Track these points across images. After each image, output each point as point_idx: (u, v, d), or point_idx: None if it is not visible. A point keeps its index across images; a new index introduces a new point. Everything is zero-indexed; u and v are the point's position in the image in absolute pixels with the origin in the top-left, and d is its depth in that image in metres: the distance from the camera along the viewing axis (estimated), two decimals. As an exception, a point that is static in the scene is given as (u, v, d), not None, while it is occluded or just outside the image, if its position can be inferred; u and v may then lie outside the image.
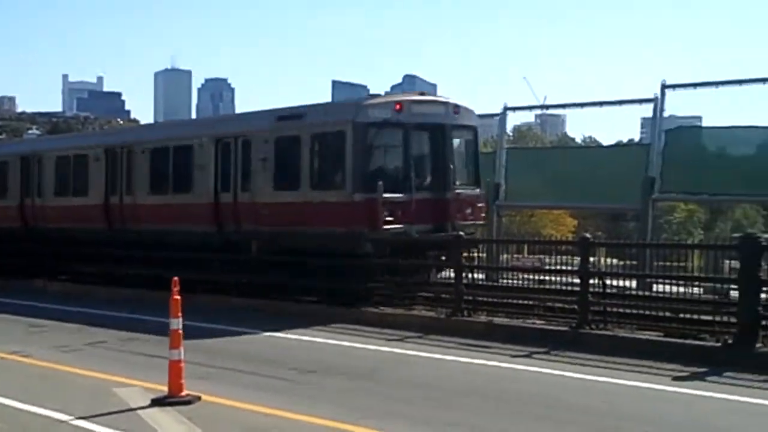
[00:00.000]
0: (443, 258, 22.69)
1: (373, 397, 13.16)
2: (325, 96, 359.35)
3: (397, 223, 22.33)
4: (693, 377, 14.19)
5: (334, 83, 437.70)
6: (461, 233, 22.29)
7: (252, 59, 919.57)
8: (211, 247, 25.92)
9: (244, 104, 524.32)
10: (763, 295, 15.89)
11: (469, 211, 23.83)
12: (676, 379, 14.08)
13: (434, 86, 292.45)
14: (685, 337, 16.41)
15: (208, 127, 27.57)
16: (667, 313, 17.54)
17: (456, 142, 23.97)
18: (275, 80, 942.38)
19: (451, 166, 23.56)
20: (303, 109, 24.27)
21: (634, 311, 17.71)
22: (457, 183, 23.75)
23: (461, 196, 23.64)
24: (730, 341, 15.61)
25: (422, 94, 23.33)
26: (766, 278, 15.87)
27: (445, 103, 23.72)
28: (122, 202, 29.01)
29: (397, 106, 22.74)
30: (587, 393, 13.28)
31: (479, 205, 24.40)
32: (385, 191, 22.02)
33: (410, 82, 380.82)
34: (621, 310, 17.75)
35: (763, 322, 15.53)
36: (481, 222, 24.83)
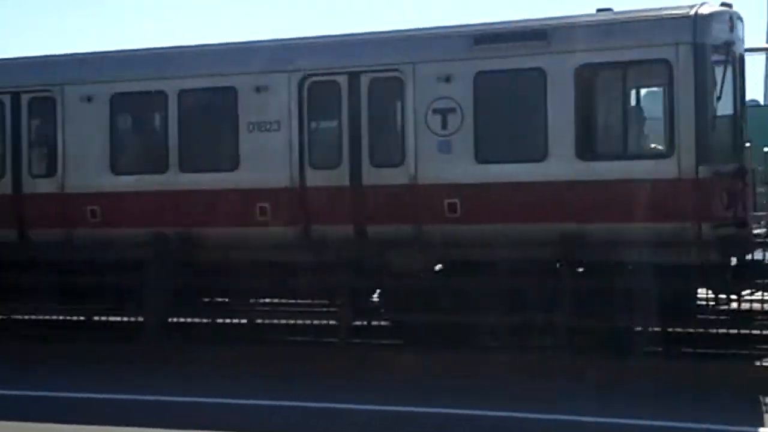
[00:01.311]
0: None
1: None
2: None
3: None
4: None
5: None
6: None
7: None
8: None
9: None
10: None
11: None
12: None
13: None
14: None
15: (277, 57, 15.56)
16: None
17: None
18: None
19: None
20: (537, 23, 14.13)
21: None
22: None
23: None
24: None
25: (725, 4, 14.25)
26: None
27: (742, 21, 14.86)
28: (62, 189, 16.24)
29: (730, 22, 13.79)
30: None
31: None
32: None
33: None
34: None
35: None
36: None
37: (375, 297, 15.65)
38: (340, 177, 14.67)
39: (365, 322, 15.44)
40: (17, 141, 16.46)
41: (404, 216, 14.33)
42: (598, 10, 14.34)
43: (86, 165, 15.96)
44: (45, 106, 16.32)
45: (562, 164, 13.52)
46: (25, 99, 16.40)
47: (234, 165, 15.15)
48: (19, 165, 16.43)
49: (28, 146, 16.45)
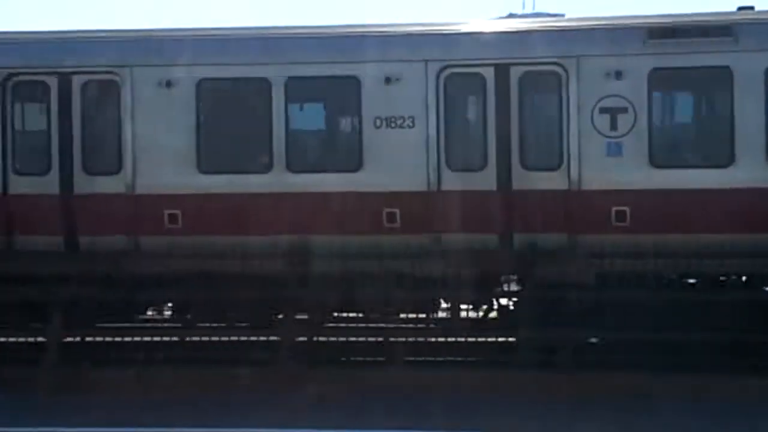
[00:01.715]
0: None
1: None
2: None
3: None
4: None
5: None
6: None
7: None
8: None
9: None
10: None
11: None
12: None
13: None
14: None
15: (411, 45, 13.67)
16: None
17: None
18: None
19: None
20: (722, 18, 13.11)
21: None
22: None
23: None
24: None
25: None
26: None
27: None
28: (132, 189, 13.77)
29: None
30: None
31: None
32: None
33: None
34: None
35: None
36: None
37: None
38: (485, 180, 13.13)
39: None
40: (66, 131, 13.86)
41: (559, 224, 12.93)
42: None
43: (164, 161, 13.60)
44: (105, 91, 13.89)
45: (750, 170, 12.55)
46: (77, 81, 13.85)
47: (356, 165, 13.27)
48: (69, 160, 13.83)
49: (81, 138, 13.88)
